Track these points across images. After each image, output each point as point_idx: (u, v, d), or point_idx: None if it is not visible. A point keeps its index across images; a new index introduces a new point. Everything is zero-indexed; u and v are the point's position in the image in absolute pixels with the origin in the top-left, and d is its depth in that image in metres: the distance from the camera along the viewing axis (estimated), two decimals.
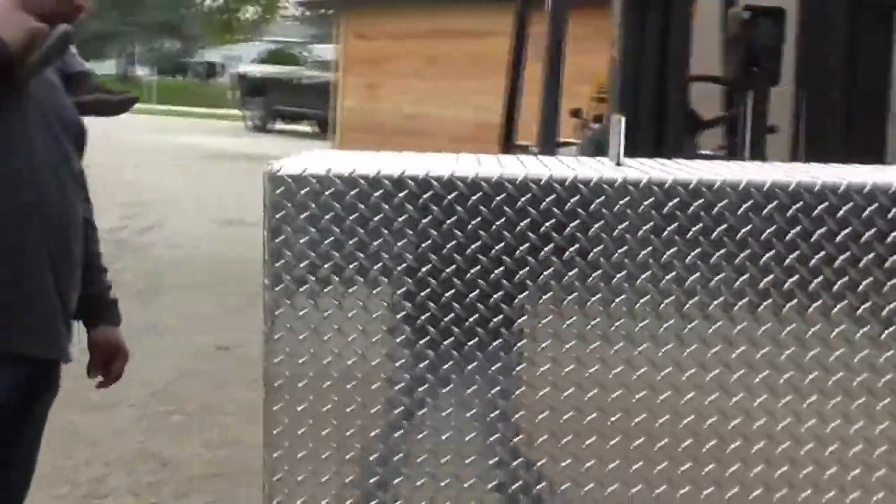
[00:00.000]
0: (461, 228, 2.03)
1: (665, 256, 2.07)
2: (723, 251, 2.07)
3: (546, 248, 2.05)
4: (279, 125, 30.89)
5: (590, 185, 2.05)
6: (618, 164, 2.20)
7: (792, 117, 4.05)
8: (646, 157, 2.55)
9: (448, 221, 2.03)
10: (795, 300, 2.09)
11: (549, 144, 4.75)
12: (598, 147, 5.24)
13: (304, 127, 30.57)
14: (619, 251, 2.06)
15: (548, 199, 2.04)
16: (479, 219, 2.04)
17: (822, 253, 2.08)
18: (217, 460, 5.42)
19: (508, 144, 5.84)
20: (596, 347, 2.07)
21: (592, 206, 2.06)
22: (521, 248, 2.04)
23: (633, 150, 3.22)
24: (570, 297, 2.08)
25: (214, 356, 7.21)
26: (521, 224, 2.04)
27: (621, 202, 2.06)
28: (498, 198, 2.03)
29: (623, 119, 2.23)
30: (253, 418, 6.30)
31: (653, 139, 3.55)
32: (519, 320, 2.05)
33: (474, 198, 2.03)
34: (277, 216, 2.02)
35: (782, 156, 4.18)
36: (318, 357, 2.05)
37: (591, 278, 2.06)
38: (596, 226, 2.06)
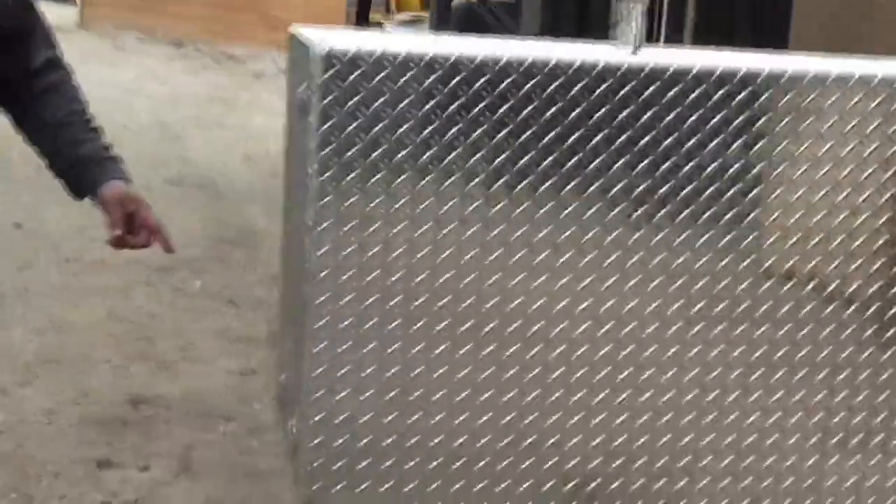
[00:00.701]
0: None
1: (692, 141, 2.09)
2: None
3: (582, 133, 2.02)
4: None
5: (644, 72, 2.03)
6: (635, 51, 2.18)
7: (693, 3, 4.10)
8: (570, 36, 2.55)
9: (502, 108, 1.97)
10: None
11: (443, 20, 4.64)
12: (468, 20, 5.18)
13: None
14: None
15: (601, 87, 2.01)
16: (533, 103, 1.98)
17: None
18: (50, 345, 5.14)
19: (363, 19, 5.68)
20: None
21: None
22: (569, 132, 2.01)
23: (556, 29, 3.20)
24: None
25: (12, 235, 6.78)
26: (553, 108, 2.01)
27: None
28: (556, 81, 1.98)
29: (642, 6, 2.20)
30: (72, 300, 5.99)
31: (576, 21, 3.53)
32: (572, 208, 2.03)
33: (529, 84, 1.97)
34: (328, 100, 1.89)
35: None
36: (363, 248, 1.97)
37: (618, 165, 2.05)
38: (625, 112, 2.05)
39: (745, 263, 2.13)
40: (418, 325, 2.00)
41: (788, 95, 2.09)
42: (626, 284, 2.09)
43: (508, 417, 2.10)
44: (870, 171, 2.17)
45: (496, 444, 2.08)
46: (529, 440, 2.11)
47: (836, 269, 2.18)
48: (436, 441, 2.03)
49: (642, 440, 2.16)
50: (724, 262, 2.11)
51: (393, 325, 1.99)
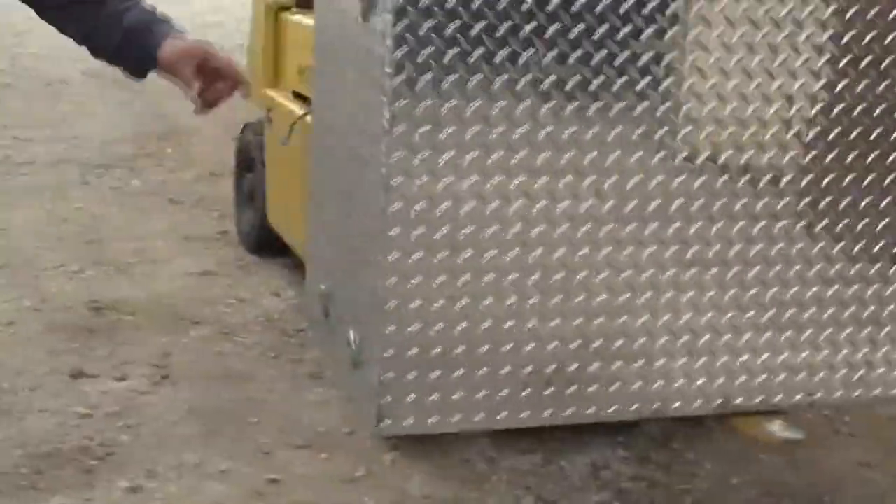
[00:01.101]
0: (591, 8, 1.89)
1: None
2: None
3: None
4: None
5: None
6: None
7: None
8: None
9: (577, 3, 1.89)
10: None
11: None
12: None
13: None
14: None
15: None
16: None
17: None
18: None
19: None
20: None
21: None
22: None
23: None
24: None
25: None
26: None
27: None
28: None
29: None
30: (6, 201, 5.76)
31: None
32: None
33: None
34: None
35: None
36: (436, 151, 1.88)
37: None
38: None
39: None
40: (490, 230, 1.93)
41: None
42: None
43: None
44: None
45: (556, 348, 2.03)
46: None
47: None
48: (505, 348, 1.98)
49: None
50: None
51: (465, 231, 1.92)
